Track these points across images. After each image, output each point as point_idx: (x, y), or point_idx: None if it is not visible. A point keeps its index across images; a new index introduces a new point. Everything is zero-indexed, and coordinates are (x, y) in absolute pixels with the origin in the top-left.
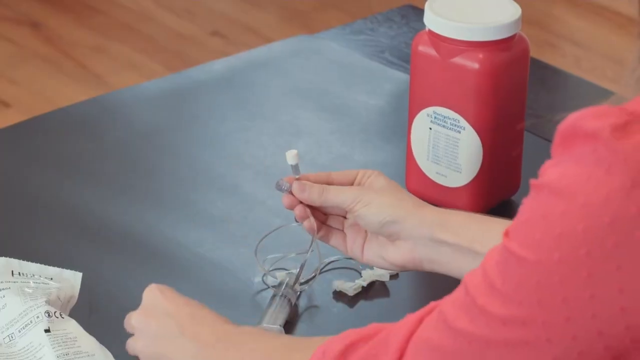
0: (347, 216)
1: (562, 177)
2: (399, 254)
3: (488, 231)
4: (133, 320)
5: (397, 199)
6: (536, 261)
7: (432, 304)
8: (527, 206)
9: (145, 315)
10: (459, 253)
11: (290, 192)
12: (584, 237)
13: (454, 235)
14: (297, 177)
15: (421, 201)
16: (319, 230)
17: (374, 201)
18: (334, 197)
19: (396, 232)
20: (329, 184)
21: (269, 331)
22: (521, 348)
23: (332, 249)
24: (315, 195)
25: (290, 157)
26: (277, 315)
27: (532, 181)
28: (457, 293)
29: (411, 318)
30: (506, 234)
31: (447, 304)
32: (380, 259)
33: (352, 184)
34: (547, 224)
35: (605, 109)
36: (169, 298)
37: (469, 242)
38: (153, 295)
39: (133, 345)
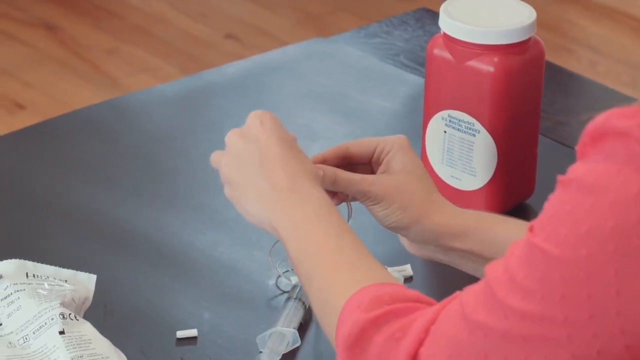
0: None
1: (591, 173)
2: (409, 247)
3: (496, 236)
4: (226, 136)
5: (406, 200)
6: (562, 256)
7: (456, 293)
8: (554, 201)
9: (238, 135)
10: (467, 259)
11: None
12: (612, 234)
13: (462, 243)
14: None
15: (433, 199)
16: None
17: (383, 201)
18: (345, 187)
19: (403, 234)
20: (347, 157)
21: (337, 219)
22: (539, 343)
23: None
24: (327, 184)
25: None
26: (291, 318)
27: (560, 177)
28: (478, 284)
29: (435, 307)
30: (531, 228)
31: (468, 294)
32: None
33: (371, 156)
34: (574, 219)
35: (635, 109)
36: (266, 128)
37: (478, 249)
38: (253, 120)
39: (219, 158)
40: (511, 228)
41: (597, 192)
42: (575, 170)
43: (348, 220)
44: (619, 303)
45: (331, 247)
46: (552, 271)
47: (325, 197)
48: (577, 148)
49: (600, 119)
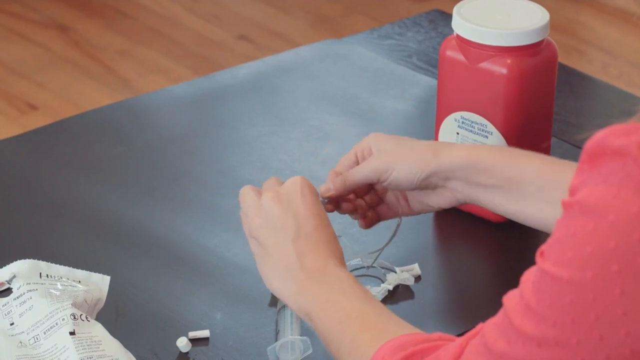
0: (376, 187)
1: (591, 195)
2: (442, 199)
3: (519, 168)
4: (264, 197)
5: (411, 154)
6: (569, 280)
7: (479, 326)
8: (560, 225)
9: (275, 199)
10: (494, 193)
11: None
12: (615, 254)
13: (487, 178)
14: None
15: (437, 143)
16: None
17: (394, 166)
18: (362, 176)
19: (432, 183)
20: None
21: (361, 291)
22: None
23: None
24: (339, 185)
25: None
26: (294, 326)
27: (563, 200)
28: (498, 315)
29: (458, 341)
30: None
31: (489, 325)
32: (426, 206)
33: (357, 162)
34: (577, 242)
35: (632, 126)
36: (306, 201)
37: (504, 180)
38: (293, 187)
39: (250, 208)
40: (533, 162)
41: (597, 214)
42: (576, 191)
43: (395, 231)
44: (626, 324)
45: (356, 314)
46: (562, 295)
47: (349, 276)
48: (578, 165)
49: (598, 137)
